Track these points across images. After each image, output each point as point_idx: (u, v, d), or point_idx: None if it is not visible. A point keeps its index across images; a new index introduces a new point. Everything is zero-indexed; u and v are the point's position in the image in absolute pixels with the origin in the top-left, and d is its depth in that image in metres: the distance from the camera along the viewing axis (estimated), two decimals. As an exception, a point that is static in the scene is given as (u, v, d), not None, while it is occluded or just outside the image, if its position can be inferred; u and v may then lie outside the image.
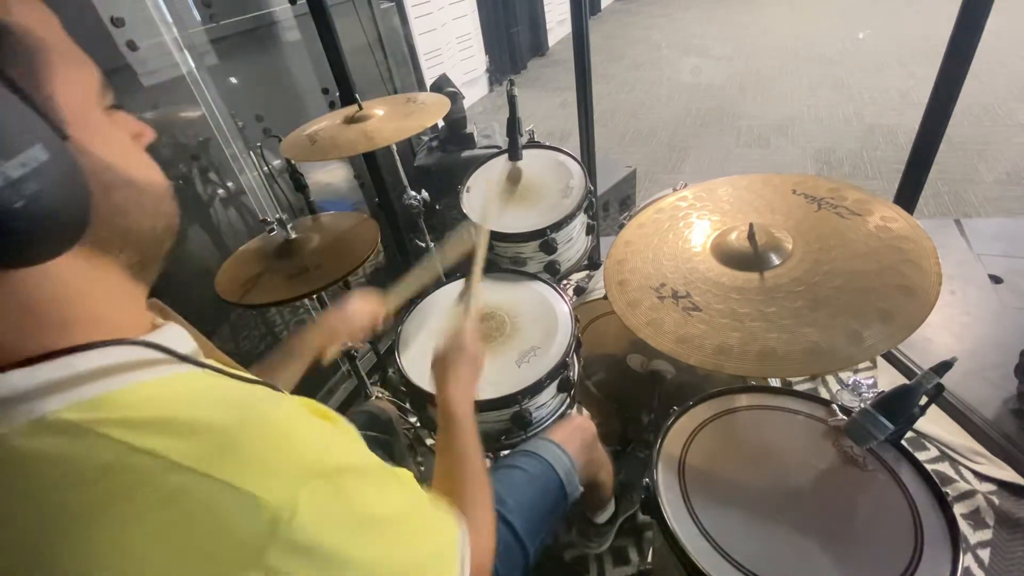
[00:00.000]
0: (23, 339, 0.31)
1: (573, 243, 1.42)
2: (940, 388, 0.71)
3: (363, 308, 0.94)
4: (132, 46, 1.31)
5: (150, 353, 0.35)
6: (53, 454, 0.29)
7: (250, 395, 0.36)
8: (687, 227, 0.98)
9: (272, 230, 1.21)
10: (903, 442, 0.79)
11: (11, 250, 0.28)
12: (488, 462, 1.13)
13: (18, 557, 0.29)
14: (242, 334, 1.66)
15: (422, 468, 1.26)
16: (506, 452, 0.99)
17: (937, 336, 1.54)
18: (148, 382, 0.34)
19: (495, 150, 1.59)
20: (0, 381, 0.30)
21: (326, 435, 0.37)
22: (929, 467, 0.75)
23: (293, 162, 1.26)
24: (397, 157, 1.53)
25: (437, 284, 1.34)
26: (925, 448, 1.34)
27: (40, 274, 0.31)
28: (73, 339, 0.32)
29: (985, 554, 1.12)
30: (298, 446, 0.34)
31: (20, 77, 0.29)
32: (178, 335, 0.40)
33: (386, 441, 1.05)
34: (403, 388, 1.13)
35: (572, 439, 0.93)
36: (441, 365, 0.75)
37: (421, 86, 2.44)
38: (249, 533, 0.30)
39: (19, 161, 0.27)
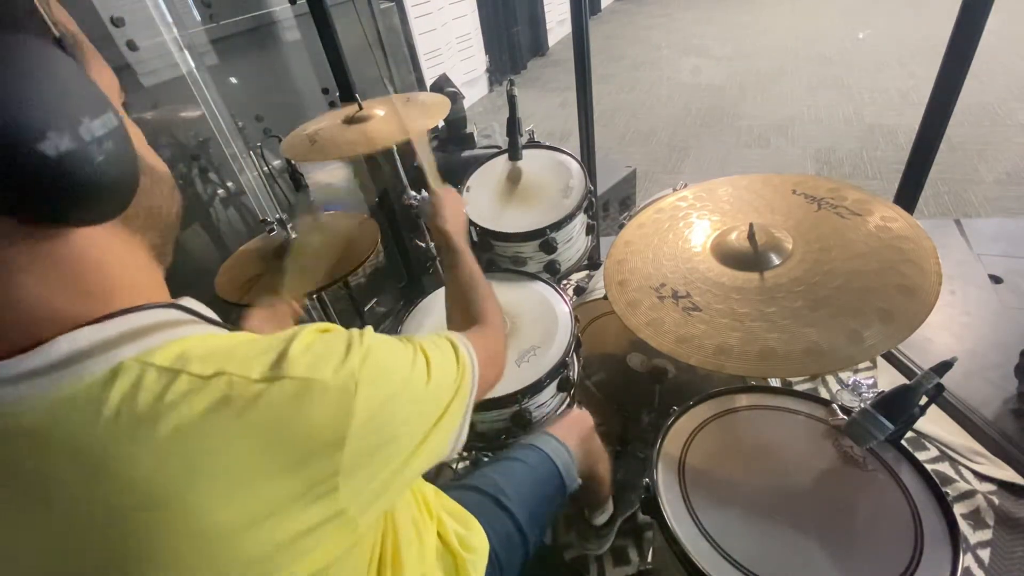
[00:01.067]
0: (79, 305, 0.34)
1: (573, 243, 1.42)
2: (940, 388, 0.71)
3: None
4: (132, 46, 1.31)
5: (185, 315, 0.39)
6: (141, 391, 0.32)
7: (275, 335, 0.40)
8: (687, 227, 0.98)
9: (272, 230, 1.21)
10: (903, 442, 0.79)
11: (86, 204, 0.31)
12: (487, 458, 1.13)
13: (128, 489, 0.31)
14: (242, 334, 1.66)
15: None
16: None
17: (937, 336, 1.54)
18: (196, 335, 0.38)
19: (495, 150, 1.59)
20: (78, 334, 0.32)
21: (344, 332, 0.42)
22: (929, 467, 0.75)
23: (293, 162, 1.26)
24: (397, 157, 1.53)
25: (437, 284, 1.35)
26: (925, 448, 1.34)
27: (88, 241, 0.34)
28: (118, 304, 0.35)
29: (985, 554, 1.12)
30: (331, 341, 0.40)
31: (77, 59, 0.33)
32: (197, 304, 0.43)
33: None
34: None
35: (570, 432, 0.94)
36: (434, 211, 0.86)
37: (421, 86, 2.44)
38: (327, 412, 0.35)
39: (101, 121, 0.31)
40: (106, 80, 0.37)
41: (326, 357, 0.38)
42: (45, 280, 0.32)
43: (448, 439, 0.49)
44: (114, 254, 0.36)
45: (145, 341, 0.34)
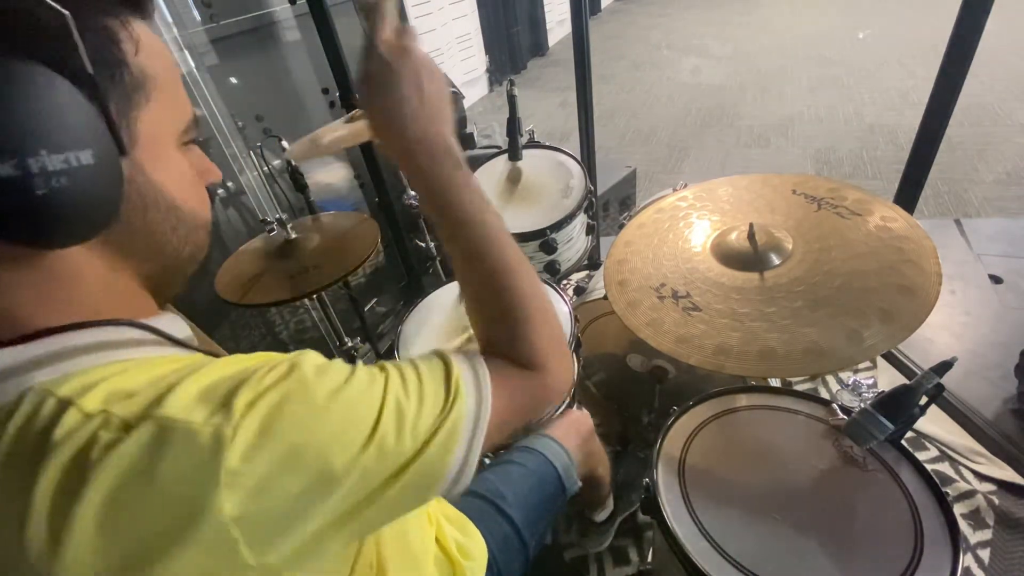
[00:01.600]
0: (30, 315, 0.34)
1: (573, 243, 1.42)
2: (940, 388, 0.71)
3: None
4: (132, 46, 1.30)
5: (139, 333, 0.37)
6: (32, 424, 0.31)
7: (232, 361, 0.36)
8: (687, 227, 0.98)
9: (272, 230, 1.21)
10: (903, 442, 0.79)
11: (27, 229, 0.31)
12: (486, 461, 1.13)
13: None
14: (242, 334, 1.66)
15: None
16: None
17: (937, 336, 1.54)
18: (135, 359, 0.35)
19: (495, 150, 1.59)
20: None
21: (259, 359, 0.36)
22: (929, 467, 0.75)
23: (293, 162, 1.26)
24: (397, 157, 1.53)
25: (437, 284, 1.35)
26: (925, 448, 1.34)
27: (59, 259, 0.34)
28: (66, 318, 0.35)
29: (985, 554, 1.12)
30: (235, 369, 0.34)
31: (114, 99, 0.34)
32: (171, 322, 0.42)
33: None
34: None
35: (569, 434, 0.93)
36: (372, 98, 0.46)
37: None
38: (198, 458, 0.30)
39: (63, 157, 0.30)
40: (160, 118, 0.37)
41: (208, 391, 0.32)
42: (2, 283, 0.33)
43: (425, 491, 0.39)
44: (92, 274, 0.36)
45: (66, 364, 0.33)
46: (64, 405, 0.31)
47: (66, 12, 0.30)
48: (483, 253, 0.47)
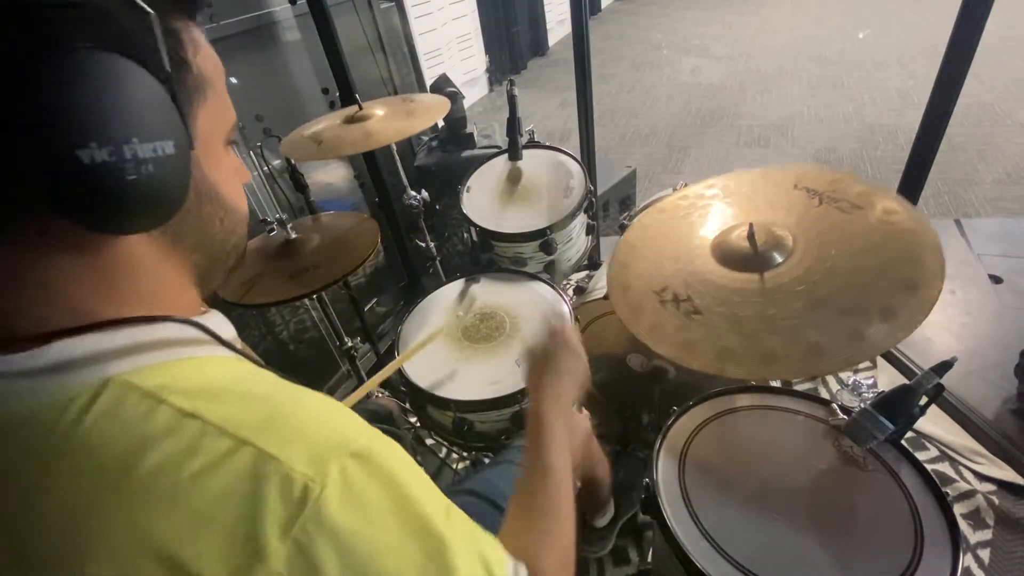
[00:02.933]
0: (90, 302, 0.35)
1: (573, 243, 1.42)
2: (940, 388, 0.71)
3: None
4: (132, 46, 1.30)
5: (198, 333, 0.39)
6: (118, 414, 0.32)
7: (282, 382, 0.39)
8: (688, 226, 0.97)
9: (272, 230, 1.21)
10: (903, 442, 0.79)
11: (108, 213, 0.32)
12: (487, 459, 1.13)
13: (70, 515, 0.31)
14: (242, 334, 1.66)
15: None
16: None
17: (937, 336, 1.54)
18: (198, 358, 0.38)
19: (495, 150, 1.59)
20: (76, 342, 0.33)
21: (357, 419, 0.38)
22: (929, 467, 0.75)
23: (293, 162, 1.26)
24: (397, 157, 1.53)
25: (437, 284, 1.35)
26: (925, 448, 1.34)
27: (122, 246, 0.36)
28: (132, 311, 0.36)
29: (985, 554, 1.12)
30: (334, 424, 0.36)
31: (181, 96, 0.36)
32: (221, 322, 0.44)
33: (394, 433, 1.05)
34: (403, 388, 1.14)
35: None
36: (542, 374, 0.70)
37: (421, 86, 2.44)
38: (282, 502, 0.31)
39: (153, 146, 0.32)
40: (214, 117, 0.41)
41: (316, 438, 0.34)
42: (65, 269, 0.34)
43: None
44: (145, 261, 0.38)
45: (141, 358, 0.34)
46: (153, 401, 0.32)
47: (152, 12, 0.32)
48: (546, 485, 0.58)
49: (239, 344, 0.45)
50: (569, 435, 0.65)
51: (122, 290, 0.36)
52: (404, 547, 0.35)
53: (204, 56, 0.39)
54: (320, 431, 0.35)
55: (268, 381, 0.38)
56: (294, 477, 0.31)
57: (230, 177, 0.44)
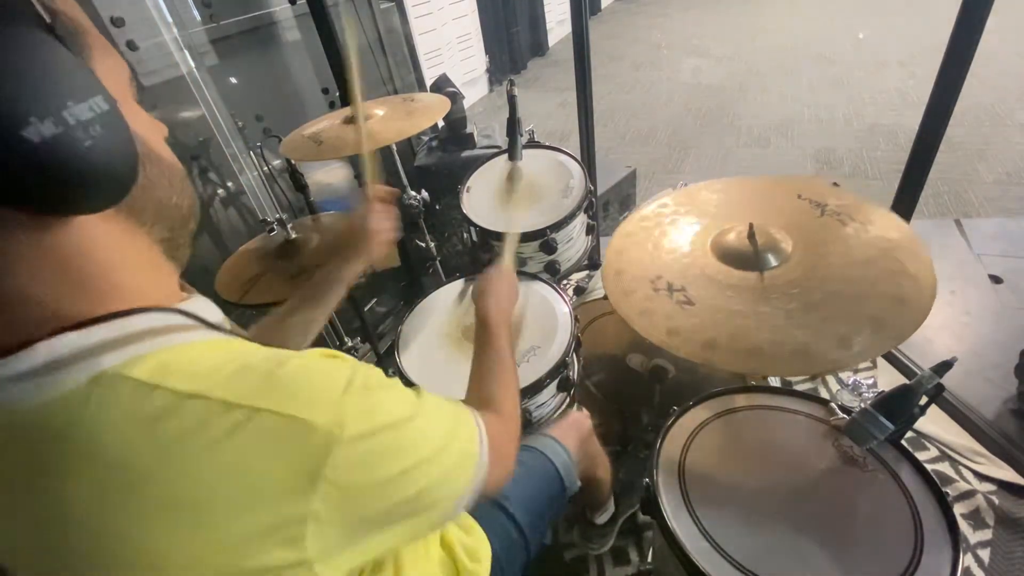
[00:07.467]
0: (68, 304, 0.33)
1: (573, 243, 1.42)
2: (940, 388, 0.71)
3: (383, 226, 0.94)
4: (132, 46, 1.31)
5: (184, 320, 0.38)
6: (116, 405, 0.32)
7: (275, 351, 0.39)
8: (688, 225, 0.97)
9: (272, 230, 1.21)
10: (903, 442, 0.79)
11: (77, 190, 0.31)
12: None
13: (86, 501, 0.31)
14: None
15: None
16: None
17: (937, 336, 1.54)
18: (189, 343, 0.37)
19: (495, 150, 1.59)
20: (59, 341, 0.32)
21: (348, 365, 0.41)
22: (929, 467, 0.75)
23: (293, 162, 1.26)
24: (397, 157, 1.53)
25: (437, 284, 1.34)
26: (925, 448, 1.34)
27: (87, 233, 0.34)
28: (113, 306, 0.35)
29: (985, 554, 1.12)
30: (330, 374, 0.38)
31: (75, 50, 0.33)
32: (206, 306, 0.43)
33: None
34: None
35: (568, 434, 0.93)
36: (483, 286, 0.86)
37: (421, 86, 2.44)
38: (306, 454, 0.33)
39: (87, 105, 0.30)
40: (109, 68, 0.37)
41: (318, 392, 0.36)
42: (38, 273, 0.32)
43: (446, 507, 0.46)
44: (115, 249, 0.36)
45: (130, 349, 0.34)
46: (147, 388, 0.32)
47: None
48: (491, 369, 0.71)
49: (228, 325, 0.45)
50: (507, 327, 0.80)
51: (98, 287, 0.35)
52: (409, 439, 0.41)
53: (68, 4, 0.36)
54: (320, 382, 0.37)
55: (260, 352, 0.38)
56: (312, 428, 0.34)
57: (152, 132, 0.41)
